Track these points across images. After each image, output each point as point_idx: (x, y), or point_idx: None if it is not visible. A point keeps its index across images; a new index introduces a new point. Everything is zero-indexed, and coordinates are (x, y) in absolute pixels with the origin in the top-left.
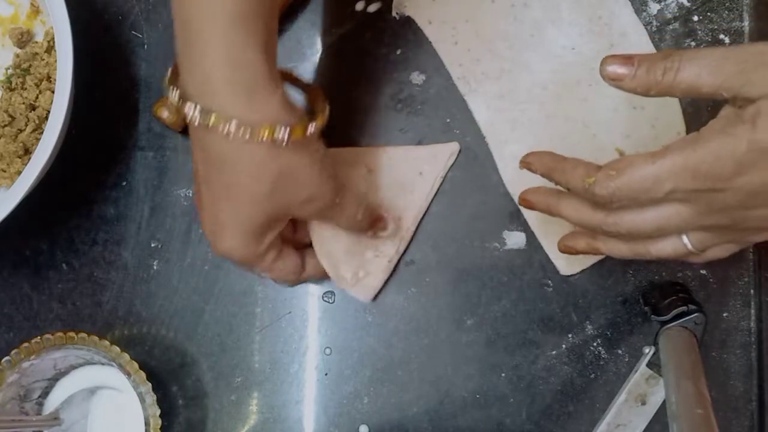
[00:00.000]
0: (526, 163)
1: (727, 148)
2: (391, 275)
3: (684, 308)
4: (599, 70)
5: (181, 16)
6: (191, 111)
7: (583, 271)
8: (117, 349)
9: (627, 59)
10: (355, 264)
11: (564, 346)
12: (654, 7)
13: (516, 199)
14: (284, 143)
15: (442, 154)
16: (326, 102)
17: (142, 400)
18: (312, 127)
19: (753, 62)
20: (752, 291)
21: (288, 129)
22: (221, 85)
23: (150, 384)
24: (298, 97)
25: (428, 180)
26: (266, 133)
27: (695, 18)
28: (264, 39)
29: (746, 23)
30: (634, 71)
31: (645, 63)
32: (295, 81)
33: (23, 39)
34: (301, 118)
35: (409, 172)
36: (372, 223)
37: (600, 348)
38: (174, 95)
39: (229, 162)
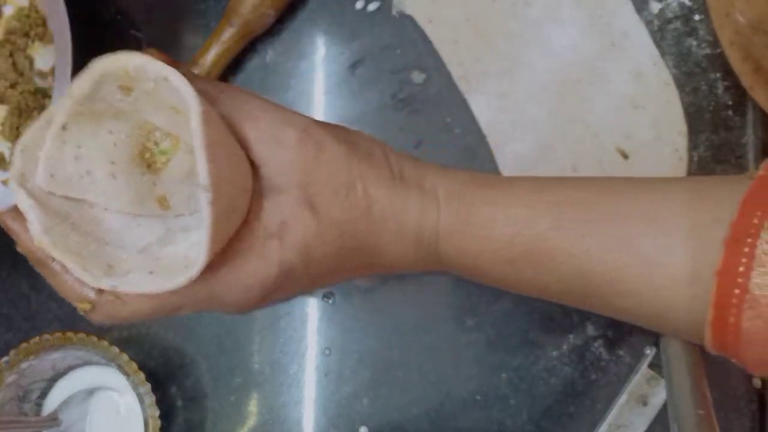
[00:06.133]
0: None
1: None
2: (391, 275)
3: None
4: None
5: None
6: None
7: None
8: (116, 349)
9: None
10: None
11: (565, 346)
12: (655, 6)
13: None
14: None
15: None
16: None
17: (141, 401)
18: None
19: None
20: None
21: None
22: None
23: (149, 385)
24: None
25: None
26: None
27: (696, 17)
28: None
29: None
30: None
31: None
32: None
33: None
34: None
35: None
36: None
37: (601, 349)
38: None
39: None
